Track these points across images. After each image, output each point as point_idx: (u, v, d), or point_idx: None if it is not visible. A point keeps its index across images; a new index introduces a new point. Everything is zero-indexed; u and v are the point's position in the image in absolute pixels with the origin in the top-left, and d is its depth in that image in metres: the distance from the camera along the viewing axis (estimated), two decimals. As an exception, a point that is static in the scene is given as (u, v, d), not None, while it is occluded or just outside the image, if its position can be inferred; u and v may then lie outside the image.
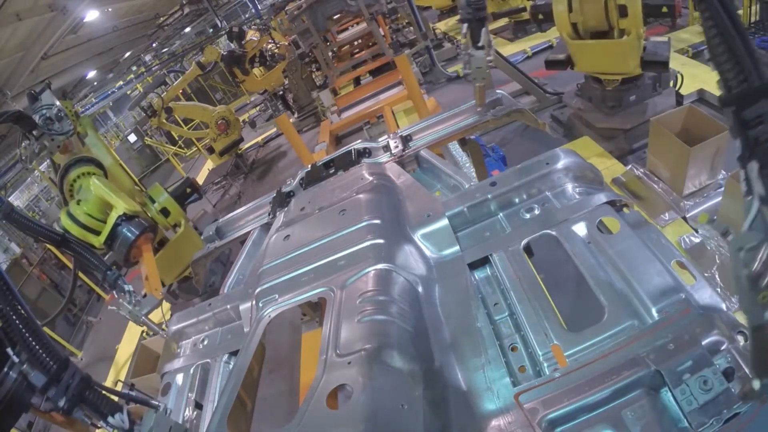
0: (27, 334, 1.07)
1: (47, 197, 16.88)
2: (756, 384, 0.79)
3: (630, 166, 4.57)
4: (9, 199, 11.82)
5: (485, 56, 2.33)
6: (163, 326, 2.25)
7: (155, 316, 2.61)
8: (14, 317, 1.06)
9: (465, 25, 2.30)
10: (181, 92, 11.95)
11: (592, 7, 4.17)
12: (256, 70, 10.02)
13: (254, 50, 9.28)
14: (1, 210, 2.28)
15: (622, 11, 4.05)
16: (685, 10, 6.87)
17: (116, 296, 2.53)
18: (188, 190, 4.39)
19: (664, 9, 4.18)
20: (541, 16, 4.86)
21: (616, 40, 4.26)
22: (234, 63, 9.13)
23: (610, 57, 4.43)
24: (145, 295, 2.64)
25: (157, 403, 1.31)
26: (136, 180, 5.64)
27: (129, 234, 3.07)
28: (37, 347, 1.08)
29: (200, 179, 11.09)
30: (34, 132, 2.67)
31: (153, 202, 4.19)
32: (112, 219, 3.10)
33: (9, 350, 1.03)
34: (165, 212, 4.21)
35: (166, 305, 4.62)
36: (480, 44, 2.30)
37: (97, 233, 3.10)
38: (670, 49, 4.38)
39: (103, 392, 1.16)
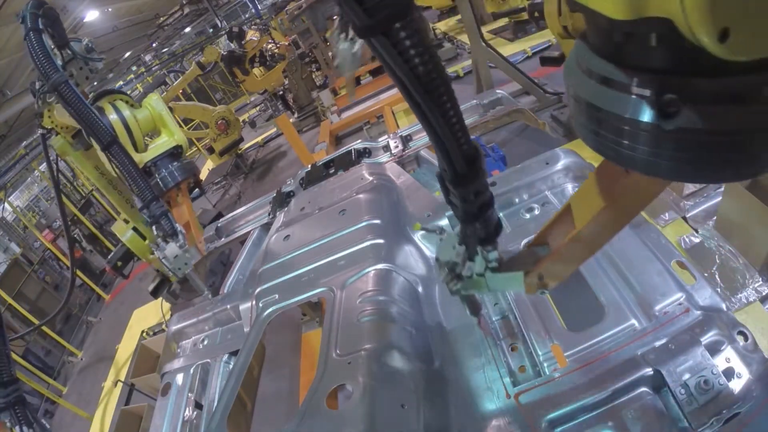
0: None
1: (47, 197, 16.86)
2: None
3: (630, 166, 4.57)
4: (9, 198, 11.78)
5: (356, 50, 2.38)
6: (164, 326, 2.19)
7: (157, 314, 2.53)
8: None
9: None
10: (181, 92, 11.95)
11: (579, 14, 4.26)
12: (256, 70, 10.02)
13: (254, 50, 9.28)
14: (53, 79, 1.89)
15: None
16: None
17: (155, 233, 2.13)
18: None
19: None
20: (536, 14, 4.91)
21: None
22: (234, 63, 9.13)
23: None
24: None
25: None
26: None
27: (176, 173, 2.68)
28: None
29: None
30: (63, 53, 2.45)
31: None
32: (166, 145, 2.64)
33: None
34: None
35: (165, 305, 4.61)
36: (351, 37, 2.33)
37: (135, 149, 2.65)
38: None
39: (30, 416, 1.63)
